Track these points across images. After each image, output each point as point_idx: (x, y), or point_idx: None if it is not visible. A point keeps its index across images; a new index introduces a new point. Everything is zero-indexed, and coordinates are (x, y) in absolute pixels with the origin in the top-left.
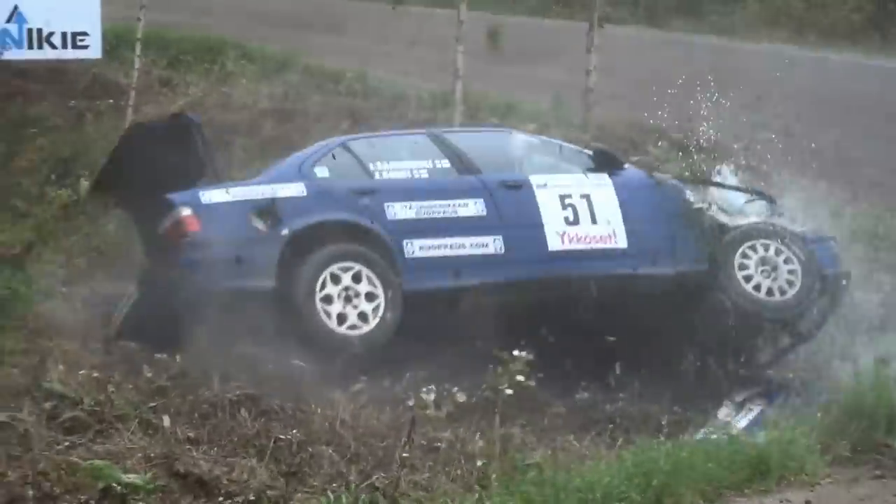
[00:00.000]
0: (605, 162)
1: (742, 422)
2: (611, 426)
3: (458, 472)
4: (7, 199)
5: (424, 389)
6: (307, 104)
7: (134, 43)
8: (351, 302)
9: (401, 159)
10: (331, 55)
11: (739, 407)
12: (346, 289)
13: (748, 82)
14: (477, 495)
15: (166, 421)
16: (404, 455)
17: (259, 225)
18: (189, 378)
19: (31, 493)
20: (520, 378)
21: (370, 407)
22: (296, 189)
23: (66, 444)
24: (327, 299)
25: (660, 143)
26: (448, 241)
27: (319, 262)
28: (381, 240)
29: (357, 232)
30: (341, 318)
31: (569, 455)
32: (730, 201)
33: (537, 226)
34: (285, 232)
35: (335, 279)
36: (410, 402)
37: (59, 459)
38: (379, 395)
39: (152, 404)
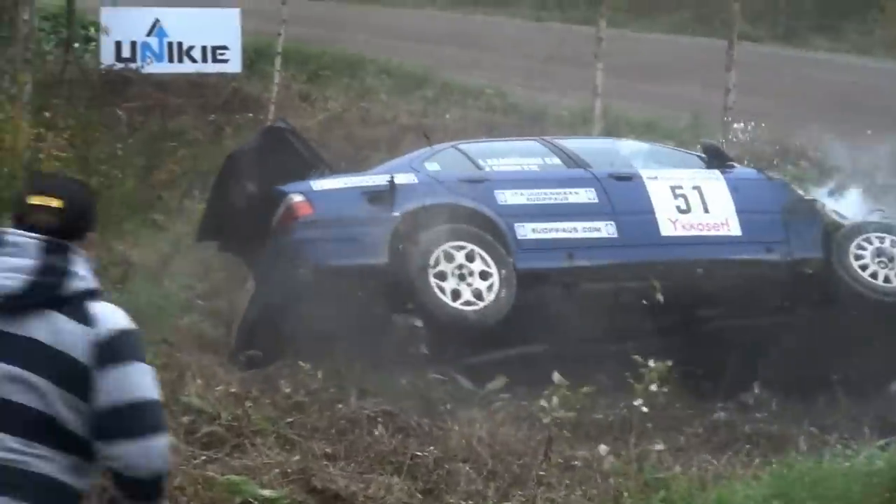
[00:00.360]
0: (715, 158)
1: None
2: (748, 443)
3: (594, 490)
4: (146, 212)
5: (564, 410)
6: (446, 120)
7: (273, 57)
8: (465, 280)
9: (511, 157)
10: (469, 71)
11: None
12: (460, 266)
13: (887, 101)
14: None
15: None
16: (541, 473)
17: (371, 208)
18: (326, 393)
19: None
20: (654, 388)
21: (507, 424)
22: (406, 178)
23: (203, 458)
24: (441, 275)
25: (800, 162)
26: (560, 224)
27: (432, 239)
28: (493, 222)
29: (468, 214)
30: (455, 295)
31: (705, 473)
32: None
33: (649, 212)
34: (396, 214)
35: (448, 257)
36: (547, 420)
37: (196, 474)
38: (516, 411)
39: (289, 420)
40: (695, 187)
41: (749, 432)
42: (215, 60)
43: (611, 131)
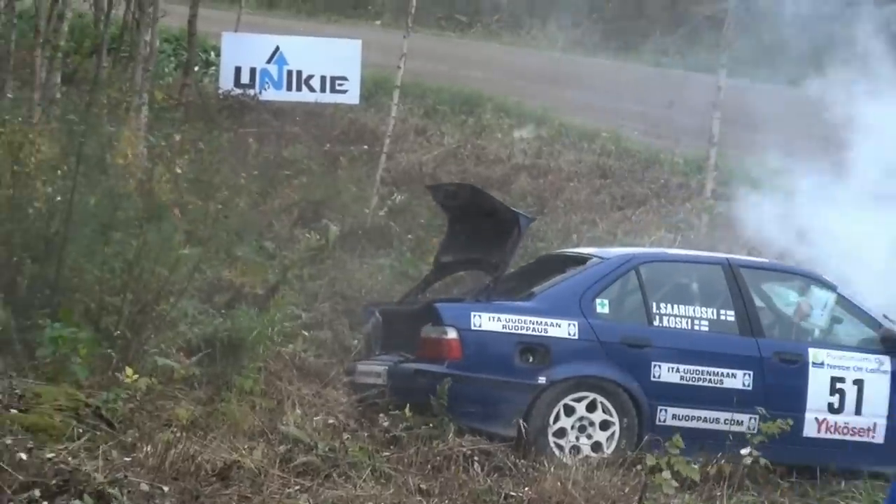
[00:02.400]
0: (893, 346)
1: None
2: None
3: None
4: (257, 239)
5: (655, 453)
6: (560, 161)
7: (392, 90)
8: (585, 431)
9: (688, 300)
10: (586, 113)
11: None
12: (581, 419)
13: None
14: None
15: None
16: None
17: (520, 363)
18: (424, 430)
19: None
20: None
21: (603, 469)
22: (568, 329)
23: (297, 487)
24: (560, 433)
25: None
26: (704, 412)
27: (555, 396)
28: (638, 402)
29: (614, 386)
30: (575, 452)
31: None
32: None
33: (799, 410)
34: (542, 381)
35: (569, 410)
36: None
37: (288, 503)
38: (612, 457)
39: (386, 454)
40: (856, 381)
41: None
42: (334, 91)
43: (724, 181)
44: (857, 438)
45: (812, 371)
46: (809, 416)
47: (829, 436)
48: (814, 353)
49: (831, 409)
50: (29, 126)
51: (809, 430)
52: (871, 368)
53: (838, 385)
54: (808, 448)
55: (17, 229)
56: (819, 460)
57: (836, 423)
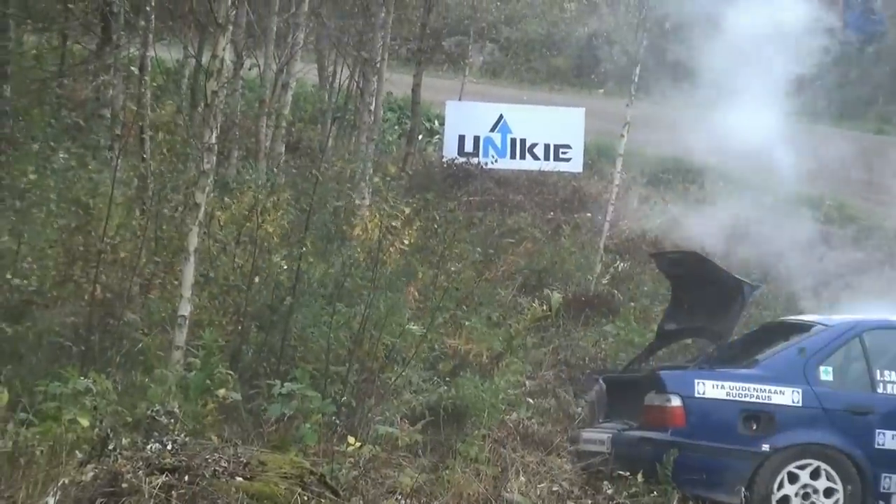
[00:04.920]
0: None
1: None
2: None
3: None
4: (483, 307)
5: None
6: (782, 230)
7: (615, 158)
8: (808, 499)
9: None
10: (808, 180)
11: None
12: (804, 486)
13: None
14: None
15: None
16: None
17: (743, 431)
18: (648, 497)
19: None
20: None
21: None
22: (792, 396)
23: None
24: (784, 500)
25: None
26: None
27: (779, 463)
28: (862, 469)
29: (838, 454)
30: None
31: None
32: None
33: None
34: (766, 448)
35: (792, 478)
36: None
37: None
38: None
39: None
40: None
41: None
42: (557, 159)
43: None
44: None
45: None
46: None
47: None
48: None
49: None
50: (257, 196)
51: None
52: None
53: None
54: None
55: (246, 298)
56: None
57: None
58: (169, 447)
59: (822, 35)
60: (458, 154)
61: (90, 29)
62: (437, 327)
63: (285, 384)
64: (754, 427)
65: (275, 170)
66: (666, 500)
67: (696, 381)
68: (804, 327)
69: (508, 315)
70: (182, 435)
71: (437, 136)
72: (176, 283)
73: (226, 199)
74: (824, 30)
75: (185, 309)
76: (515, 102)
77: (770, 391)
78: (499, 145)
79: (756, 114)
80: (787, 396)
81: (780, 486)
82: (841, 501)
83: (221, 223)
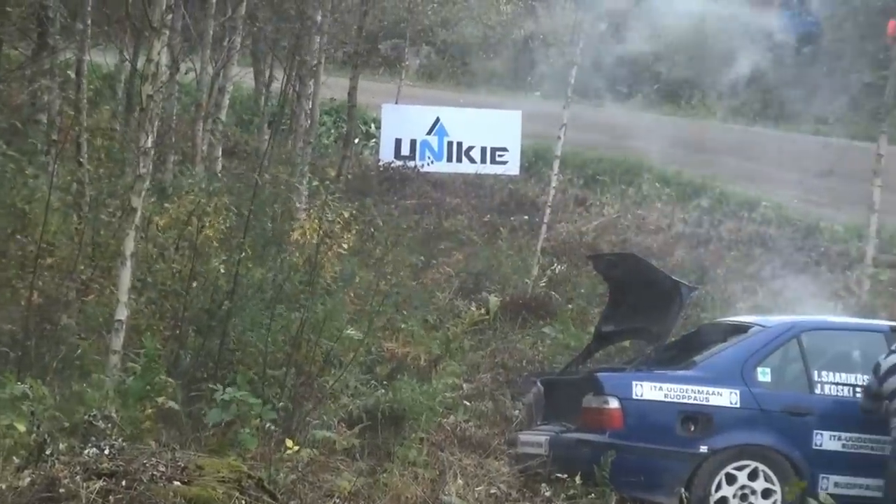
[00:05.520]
0: None
1: None
2: None
3: None
4: (419, 310)
5: None
6: (720, 230)
7: (552, 160)
8: (746, 500)
9: (849, 368)
10: (746, 182)
11: None
12: (742, 487)
13: None
14: None
15: None
16: None
17: (682, 432)
18: (586, 500)
19: None
20: None
21: None
22: (730, 398)
23: None
24: (722, 501)
25: None
26: (866, 481)
27: (717, 465)
28: (800, 470)
29: (776, 455)
30: None
31: None
32: None
33: None
34: (704, 449)
35: (730, 479)
36: None
37: None
38: None
39: None
40: None
41: None
42: (494, 162)
43: (885, 248)
44: None
45: None
46: None
47: None
48: None
49: None
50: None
51: None
52: None
53: None
54: None
55: (184, 303)
56: None
57: None
58: (106, 452)
59: (759, 36)
60: (395, 157)
61: (26, 34)
62: (375, 331)
63: (227, 390)
64: (692, 428)
65: (218, 173)
66: (604, 503)
67: (633, 382)
68: (742, 328)
69: (446, 318)
70: (120, 440)
71: (373, 140)
72: (113, 288)
73: (165, 203)
74: (761, 31)
75: (122, 314)
76: (452, 105)
77: (708, 392)
78: (435, 148)
79: (694, 117)
80: (725, 398)
81: (719, 487)
82: (778, 502)
83: (160, 227)
